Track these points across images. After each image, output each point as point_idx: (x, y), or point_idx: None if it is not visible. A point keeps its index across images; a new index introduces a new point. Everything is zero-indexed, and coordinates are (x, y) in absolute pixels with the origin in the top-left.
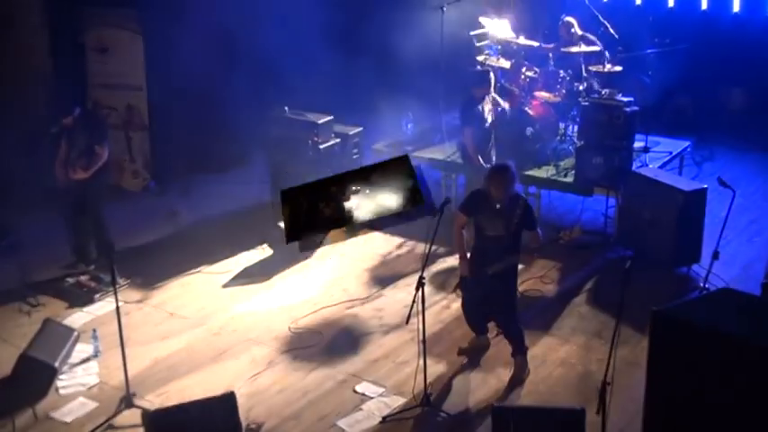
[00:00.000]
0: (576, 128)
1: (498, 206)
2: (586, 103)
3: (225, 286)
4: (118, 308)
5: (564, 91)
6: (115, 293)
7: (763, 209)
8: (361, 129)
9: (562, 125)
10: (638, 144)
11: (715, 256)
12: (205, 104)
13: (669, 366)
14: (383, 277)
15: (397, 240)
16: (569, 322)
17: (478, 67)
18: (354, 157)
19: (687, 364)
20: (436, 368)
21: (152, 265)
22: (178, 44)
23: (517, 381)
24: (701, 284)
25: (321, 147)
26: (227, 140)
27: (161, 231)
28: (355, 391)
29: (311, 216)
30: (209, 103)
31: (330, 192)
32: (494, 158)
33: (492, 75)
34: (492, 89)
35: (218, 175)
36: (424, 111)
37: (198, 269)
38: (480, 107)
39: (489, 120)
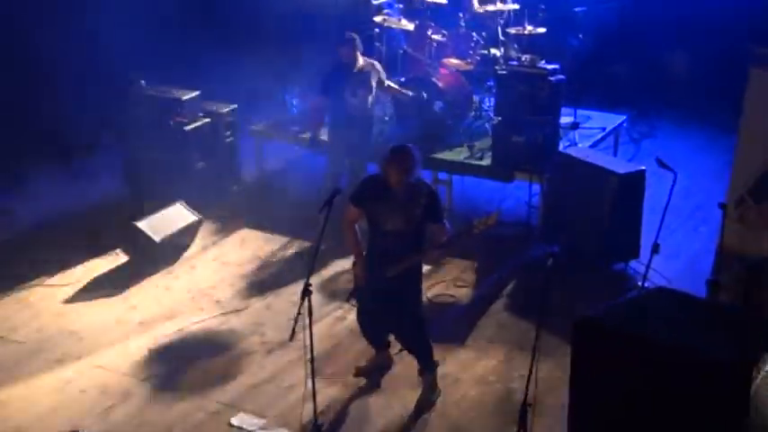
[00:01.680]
0: (492, 101)
1: (397, 195)
2: (504, 72)
3: (69, 301)
4: None
5: (478, 57)
6: None
7: (710, 192)
8: (235, 106)
9: (476, 98)
10: (565, 119)
11: (655, 249)
12: (39, 78)
13: (594, 381)
14: (264, 285)
15: (281, 240)
16: (487, 332)
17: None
18: (228, 140)
19: (613, 377)
20: (328, 392)
21: None
22: None
23: (426, 404)
24: (640, 283)
25: (186, 128)
26: (70, 123)
27: None
28: (231, 425)
29: None
30: (45, 76)
31: None
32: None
33: (355, 35)
34: (358, 51)
35: (58, 166)
36: (313, 84)
37: (35, 281)
38: (340, 73)
39: (359, 90)
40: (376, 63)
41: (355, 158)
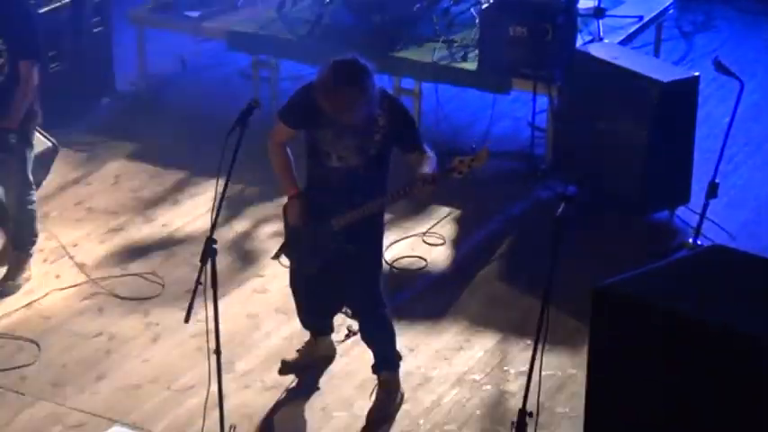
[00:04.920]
0: None
1: None
2: None
3: None
4: None
5: None
6: None
7: None
8: None
9: None
10: (585, 3)
11: (712, 191)
12: None
13: (620, 379)
14: (149, 242)
15: (171, 176)
16: (473, 311)
17: None
18: (97, 30)
19: (650, 373)
20: (242, 397)
21: None
22: None
23: (383, 413)
24: (691, 240)
25: (41, 11)
26: None
27: None
28: None
29: None
30: None
31: None
32: None
33: None
34: None
35: None
36: None
37: None
38: None
39: None
40: None
41: None
